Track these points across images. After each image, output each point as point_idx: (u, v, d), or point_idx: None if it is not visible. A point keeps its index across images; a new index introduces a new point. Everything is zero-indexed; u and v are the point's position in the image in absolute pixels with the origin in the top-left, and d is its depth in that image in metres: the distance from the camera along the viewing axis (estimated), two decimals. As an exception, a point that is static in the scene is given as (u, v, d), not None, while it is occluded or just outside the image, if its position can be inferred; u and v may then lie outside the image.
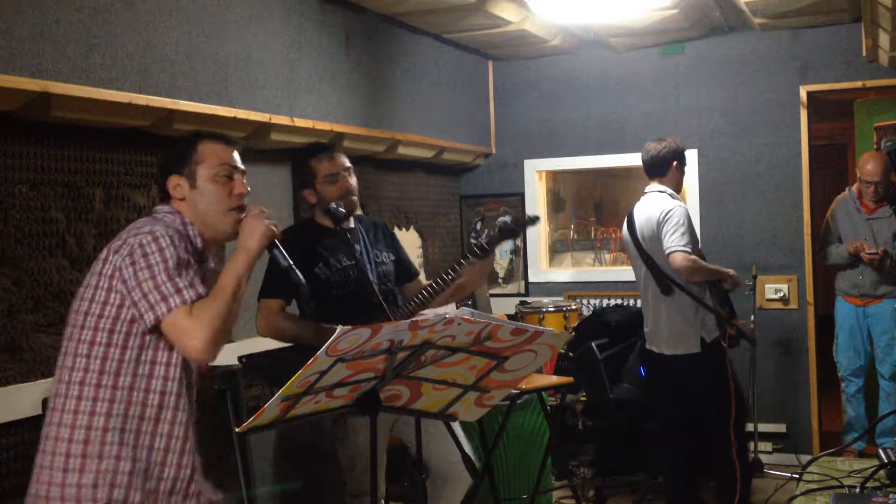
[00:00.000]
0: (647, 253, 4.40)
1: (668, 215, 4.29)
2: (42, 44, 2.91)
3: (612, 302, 6.13)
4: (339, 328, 1.89)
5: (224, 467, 3.43)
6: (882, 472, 2.32)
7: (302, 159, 3.55)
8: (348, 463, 3.38)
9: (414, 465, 3.60)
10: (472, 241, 3.52)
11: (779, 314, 5.85)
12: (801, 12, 5.35)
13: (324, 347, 1.91)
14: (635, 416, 5.04)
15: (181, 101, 3.44)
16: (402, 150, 5.11)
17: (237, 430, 2.23)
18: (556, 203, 6.79)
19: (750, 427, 5.54)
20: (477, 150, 6.25)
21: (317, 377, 1.99)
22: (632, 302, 5.97)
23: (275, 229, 2.35)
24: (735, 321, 4.41)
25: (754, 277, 5.62)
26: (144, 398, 2.22)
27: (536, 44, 5.90)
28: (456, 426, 3.51)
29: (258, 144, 4.03)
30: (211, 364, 2.90)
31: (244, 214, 2.39)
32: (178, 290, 2.16)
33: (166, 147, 2.53)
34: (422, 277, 3.90)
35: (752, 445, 5.59)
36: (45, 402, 2.99)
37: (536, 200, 6.44)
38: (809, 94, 5.76)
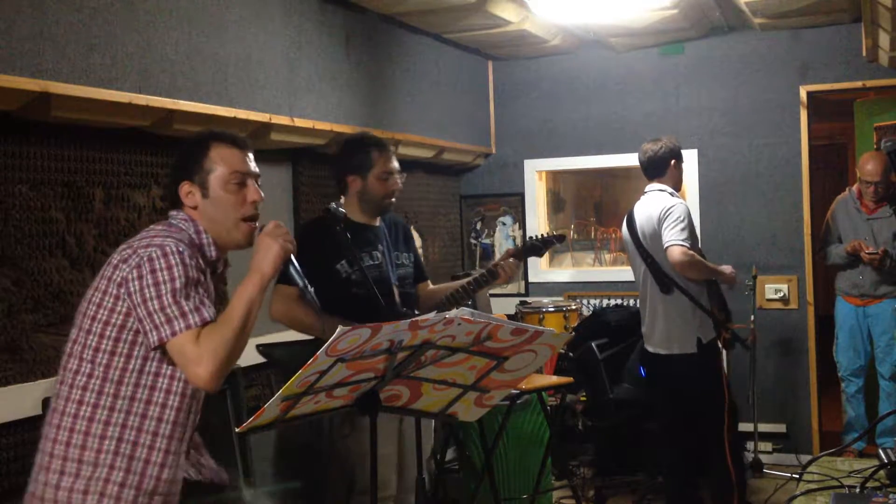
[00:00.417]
0: (647, 251, 4.40)
1: (669, 211, 4.31)
2: (42, 44, 2.91)
3: (612, 302, 6.13)
4: (339, 328, 1.89)
5: (224, 467, 3.43)
6: (882, 472, 2.32)
7: (361, 146, 3.52)
8: (358, 460, 3.37)
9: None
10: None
11: (779, 314, 5.85)
12: (801, 12, 5.35)
13: (324, 347, 1.91)
14: (635, 416, 5.05)
15: (181, 101, 3.44)
16: (402, 150, 5.11)
17: (237, 430, 2.22)
18: (556, 203, 6.79)
19: (750, 427, 5.55)
20: (477, 150, 6.25)
21: (317, 377, 1.99)
22: (632, 302, 5.97)
23: (290, 246, 2.28)
24: (730, 325, 4.42)
25: (754, 277, 5.61)
26: (145, 410, 2.18)
27: (536, 44, 5.90)
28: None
29: (258, 144, 4.02)
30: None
31: (258, 225, 2.33)
32: (184, 314, 2.10)
33: (178, 148, 2.45)
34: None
35: (752, 445, 5.59)
36: (45, 401, 2.99)
37: (536, 200, 6.44)
38: (809, 94, 5.76)
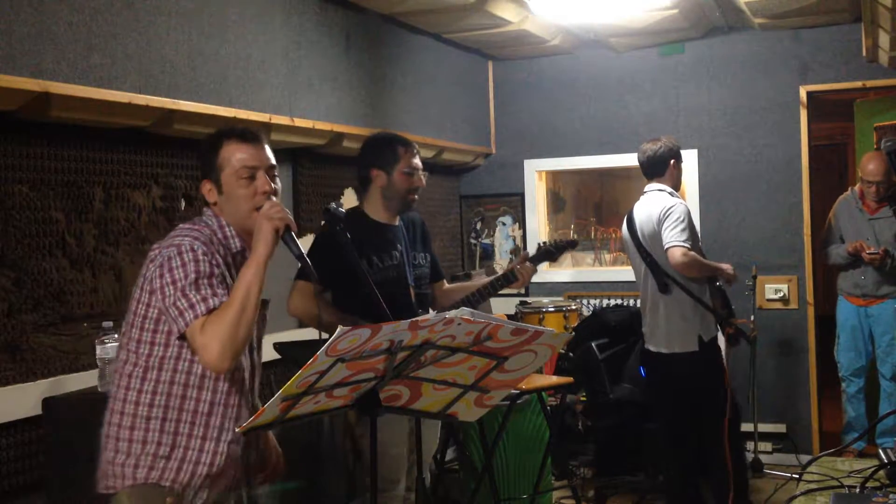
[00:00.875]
0: (647, 251, 4.41)
1: (669, 212, 4.31)
2: (42, 44, 2.91)
3: (612, 302, 6.13)
4: (339, 328, 1.89)
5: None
6: (882, 472, 2.32)
7: (387, 141, 3.55)
8: (381, 459, 3.37)
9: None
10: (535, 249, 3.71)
11: (779, 314, 5.85)
12: (801, 12, 5.35)
13: (324, 347, 1.91)
14: (635, 416, 5.04)
15: (181, 101, 3.44)
16: (402, 150, 5.11)
17: (237, 430, 2.32)
18: (556, 203, 6.79)
19: (750, 427, 5.54)
20: (477, 150, 6.25)
21: (317, 377, 1.99)
22: (632, 302, 5.97)
23: (283, 222, 2.37)
24: (734, 320, 4.42)
25: (754, 277, 5.62)
26: (183, 392, 2.38)
27: (536, 44, 5.90)
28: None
29: (258, 144, 4.03)
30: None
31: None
32: (192, 306, 2.28)
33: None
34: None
35: (751, 445, 5.59)
36: (45, 401, 3.00)
37: (536, 200, 6.44)
38: (809, 94, 5.76)
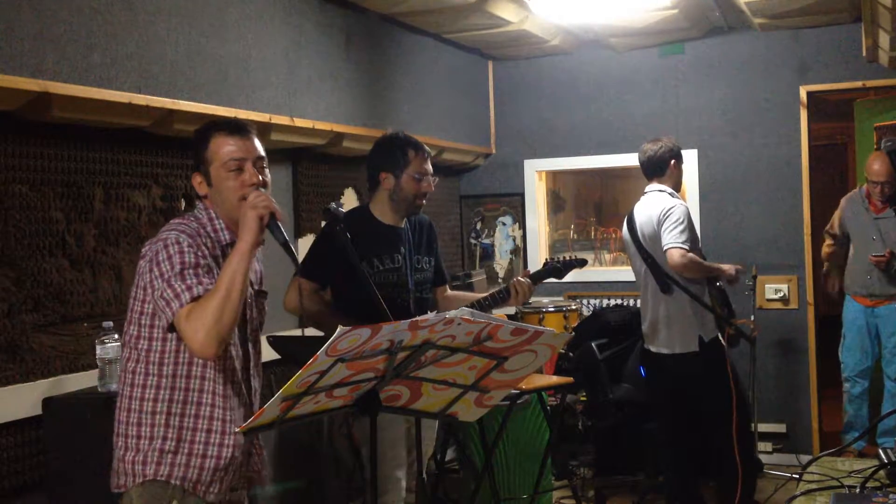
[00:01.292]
0: (647, 251, 4.41)
1: (669, 213, 4.31)
2: (42, 44, 2.91)
3: (612, 302, 6.13)
4: (339, 328, 1.89)
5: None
6: (882, 472, 2.32)
7: (398, 144, 3.51)
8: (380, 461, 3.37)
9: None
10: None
11: (779, 314, 5.85)
12: (801, 12, 5.35)
13: (324, 347, 1.91)
14: (635, 416, 5.04)
15: (181, 101, 3.44)
16: (402, 150, 5.11)
17: (237, 430, 2.32)
18: (556, 203, 6.79)
19: (750, 427, 5.54)
20: (477, 150, 6.25)
21: (317, 377, 1.99)
22: (632, 302, 5.97)
23: (268, 211, 2.37)
24: (734, 321, 4.42)
25: (754, 277, 5.62)
26: (186, 384, 2.40)
27: (536, 44, 5.90)
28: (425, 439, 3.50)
29: (258, 144, 4.03)
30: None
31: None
32: (177, 295, 2.30)
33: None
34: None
35: (752, 446, 5.58)
36: (45, 401, 3.00)
37: (536, 200, 6.44)
38: (809, 94, 5.76)
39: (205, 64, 3.62)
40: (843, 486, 2.27)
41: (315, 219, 4.59)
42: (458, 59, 5.95)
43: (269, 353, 3.58)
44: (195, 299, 2.29)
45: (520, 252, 6.44)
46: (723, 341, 4.37)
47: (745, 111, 5.90)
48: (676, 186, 4.57)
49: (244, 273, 2.32)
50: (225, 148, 2.47)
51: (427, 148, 3.56)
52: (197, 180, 2.53)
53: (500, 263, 6.48)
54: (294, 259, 2.45)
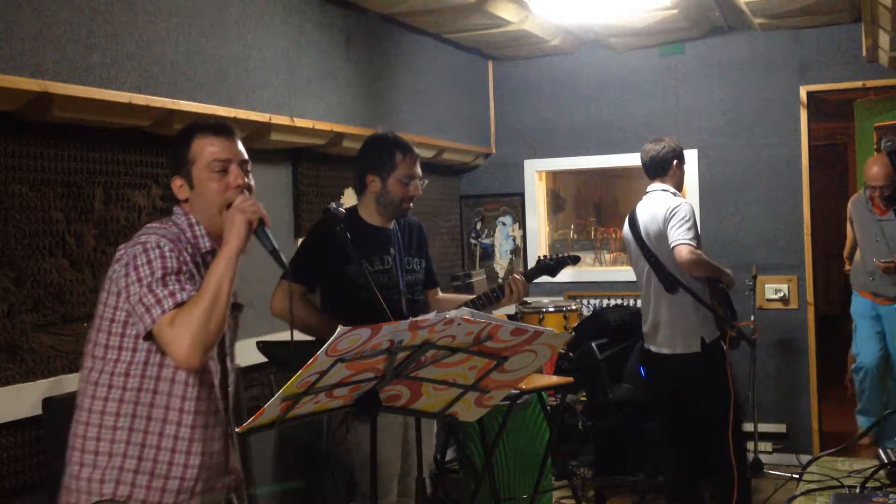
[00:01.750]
0: (650, 251, 4.40)
1: (675, 210, 4.31)
2: (42, 44, 2.91)
3: (612, 302, 6.13)
4: (339, 328, 1.89)
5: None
6: (882, 472, 2.32)
7: (386, 146, 3.44)
8: (361, 467, 3.36)
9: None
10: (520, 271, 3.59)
11: (779, 314, 5.85)
12: (801, 12, 5.35)
13: (324, 347, 1.91)
14: (635, 416, 5.05)
15: (181, 101, 3.44)
16: (402, 150, 5.11)
17: (237, 430, 2.27)
18: (556, 203, 6.79)
19: (750, 427, 5.54)
20: (477, 150, 6.25)
21: (317, 377, 1.99)
22: (632, 302, 5.97)
23: (257, 215, 2.29)
24: (736, 323, 4.41)
25: (754, 277, 5.62)
26: (152, 399, 2.27)
27: (536, 44, 5.90)
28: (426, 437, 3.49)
29: (258, 144, 4.03)
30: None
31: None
32: (159, 301, 2.19)
33: (168, 144, 2.51)
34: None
35: (752, 445, 5.59)
36: (45, 401, 3.00)
37: (536, 200, 6.44)
38: (809, 94, 5.76)
39: (205, 64, 3.62)
40: (843, 486, 2.27)
41: (315, 219, 4.59)
42: (458, 59, 5.95)
43: (261, 357, 3.59)
44: (179, 305, 2.18)
45: (520, 252, 6.44)
46: (723, 343, 4.37)
47: (745, 111, 5.90)
48: (678, 186, 4.57)
49: (231, 279, 2.22)
50: (209, 148, 2.36)
51: (416, 150, 3.48)
52: (177, 184, 2.40)
53: (500, 263, 6.48)
54: (283, 266, 2.37)
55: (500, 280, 6.44)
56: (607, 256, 6.60)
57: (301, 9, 4.26)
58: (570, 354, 5.22)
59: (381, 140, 3.50)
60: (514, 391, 3.99)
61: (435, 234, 6.06)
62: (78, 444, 2.28)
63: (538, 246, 6.41)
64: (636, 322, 4.76)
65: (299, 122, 4.15)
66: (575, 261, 3.90)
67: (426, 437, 3.49)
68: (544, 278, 3.81)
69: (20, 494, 3.01)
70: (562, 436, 5.04)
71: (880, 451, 2.38)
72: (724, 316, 4.38)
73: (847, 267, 5.88)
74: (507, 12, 5.13)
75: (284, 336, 3.88)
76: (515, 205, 6.45)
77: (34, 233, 3.08)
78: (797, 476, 2.49)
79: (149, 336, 2.22)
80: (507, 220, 6.49)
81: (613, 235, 6.52)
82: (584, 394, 5.24)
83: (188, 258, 2.31)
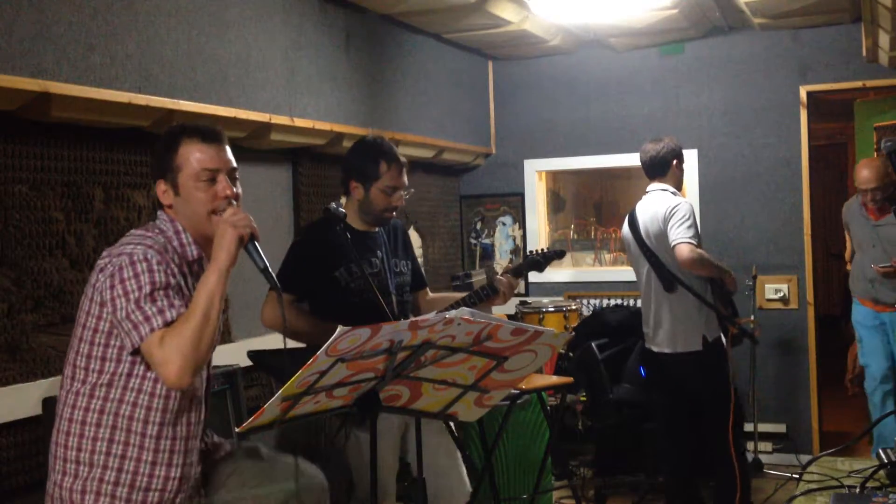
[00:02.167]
0: (651, 250, 4.40)
1: (675, 210, 4.32)
2: (42, 44, 2.91)
3: (612, 302, 6.13)
4: (339, 328, 1.89)
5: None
6: (882, 472, 2.32)
7: (371, 153, 3.38)
8: (358, 472, 3.36)
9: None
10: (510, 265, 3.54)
11: (779, 314, 5.85)
12: (801, 12, 5.35)
13: (324, 347, 1.91)
14: (635, 416, 5.05)
15: (181, 101, 3.44)
16: (401, 150, 5.05)
17: (237, 430, 2.26)
18: (556, 203, 6.79)
19: (750, 427, 5.54)
20: (477, 150, 6.25)
21: (317, 377, 1.99)
22: (632, 302, 5.97)
23: (248, 230, 2.25)
24: (737, 320, 4.41)
25: (754, 277, 5.61)
26: (132, 412, 2.25)
27: (536, 44, 5.90)
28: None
29: (258, 144, 4.03)
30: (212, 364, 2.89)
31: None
32: (147, 319, 2.15)
33: (152, 145, 2.47)
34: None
35: (752, 445, 5.59)
36: (45, 402, 3.00)
37: (536, 200, 6.45)
38: (809, 94, 5.76)
39: (205, 64, 3.62)
40: (843, 486, 2.27)
41: (315, 219, 4.59)
42: (458, 59, 5.95)
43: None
44: (168, 324, 2.14)
45: (520, 252, 6.44)
46: (724, 340, 4.37)
47: (745, 111, 5.90)
48: (678, 186, 4.58)
49: (222, 295, 2.18)
50: (197, 155, 2.31)
51: (402, 159, 3.43)
52: (161, 188, 2.34)
53: (500, 263, 6.48)
54: (273, 282, 2.33)
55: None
56: (607, 256, 6.60)
57: (301, 9, 4.26)
58: (570, 354, 5.22)
59: (367, 147, 3.45)
60: (514, 391, 3.99)
61: (435, 234, 6.06)
62: (59, 453, 2.25)
63: (538, 246, 6.41)
64: (636, 322, 4.76)
65: (299, 122, 4.15)
66: (561, 255, 3.89)
67: (440, 434, 3.47)
68: (544, 277, 3.81)
69: (20, 494, 3.01)
70: (562, 436, 5.04)
71: (880, 452, 2.38)
72: (726, 313, 4.38)
73: (848, 267, 5.86)
74: (507, 12, 5.13)
75: (276, 340, 3.85)
76: (515, 205, 6.46)
77: (34, 233, 3.08)
78: (797, 476, 2.49)
79: (136, 352, 2.19)
80: (507, 220, 6.49)
81: (613, 235, 6.52)
82: (584, 394, 5.24)
83: (175, 270, 2.26)
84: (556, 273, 6.43)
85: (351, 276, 3.33)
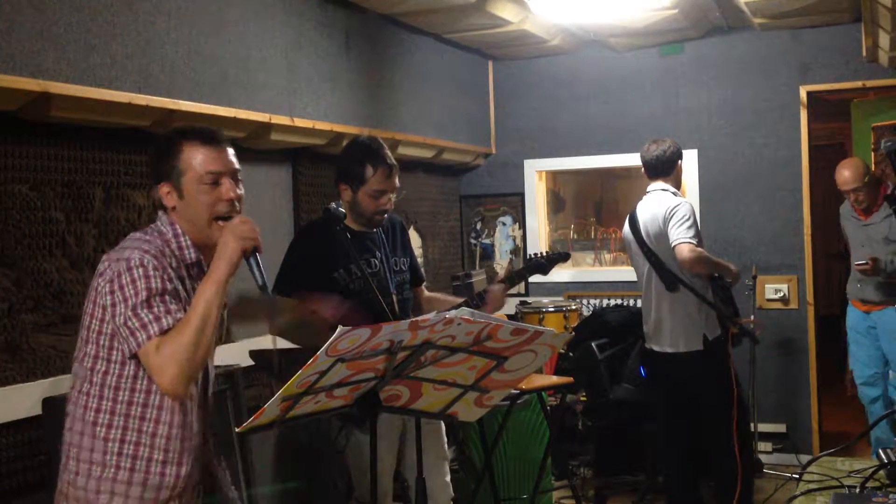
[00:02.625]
0: (651, 250, 4.41)
1: (675, 210, 4.32)
2: (42, 44, 2.91)
3: (612, 302, 6.13)
4: (340, 328, 1.89)
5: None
6: (882, 472, 2.32)
7: (359, 157, 3.34)
8: (357, 473, 3.36)
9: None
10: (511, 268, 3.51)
11: (779, 314, 5.85)
12: (801, 12, 5.35)
13: (324, 347, 1.91)
14: (635, 416, 5.05)
15: (181, 101, 3.44)
16: (401, 150, 5.11)
17: (237, 430, 2.26)
18: (556, 203, 6.79)
19: (750, 427, 5.54)
20: (477, 150, 6.25)
21: (317, 377, 1.99)
22: (632, 302, 5.97)
23: (250, 243, 2.24)
24: (738, 319, 4.41)
25: (754, 277, 5.61)
26: (142, 412, 2.26)
27: (536, 44, 5.90)
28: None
29: (258, 144, 4.03)
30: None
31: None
32: (144, 326, 2.15)
33: (152, 147, 2.46)
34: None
35: (752, 445, 5.58)
36: (45, 402, 3.00)
37: (536, 200, 6.44)
38: (809, 94, 5.77)
39: (205, 64, 3.62)
40: (843, 486, 2.27)
41: (314, 219, 4.59)
42: (458, 59, 5.95)
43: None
44: (164, 331, 2.15)
45: (520, 252, 6.44)
46: (727, 340, 4.37)
47: (745, 111, 5.90)
48: (678, 185, 4.59)
49: (220, 304, 2.18)
50: (200, 159, 2.30)
51: (393, 162, 3.37)
52: (165, 190, 2.32)
53: (500, 263, 6.48)
54: (269, 302, 2.34)
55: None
56: (607, 256, 6.60)
57: (301, 9, 4.26)
58: (570, 354, 5.23)
59: (356, 149, 3.41)
60: (514, 391, 3.99)
61: (435, 234, 6.06)
62: (73, 453, 2.26)
63: (538, 246, 6.41)
64: (636, 322, 4.77)
65: (299, 122, 4.15)
66: (566, 258, 3.85)
67: (434, 436, 3.48)
68: (546, 277, 3.80)
69: (20, 494, 3.01)
70: (562, 436, 5.04)
71: (880, 452, 2.38)
72: (727, 313, 4.38)
73: None
74: (507, 12, 5.13)
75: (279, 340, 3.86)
76: (515, 205, 6.46)
77: (34, 233, 3.08)
78: (797, 476, 2.49)
79: (135, 357, 2.20)
80: (507, 220, 6.49)
81: (613, 235, 6.52)
82: (584, 394, 5.24)
83: (173, 274, 2.25)
84: (556, 273, 6.39)
85: (350, 278, 3.32)
